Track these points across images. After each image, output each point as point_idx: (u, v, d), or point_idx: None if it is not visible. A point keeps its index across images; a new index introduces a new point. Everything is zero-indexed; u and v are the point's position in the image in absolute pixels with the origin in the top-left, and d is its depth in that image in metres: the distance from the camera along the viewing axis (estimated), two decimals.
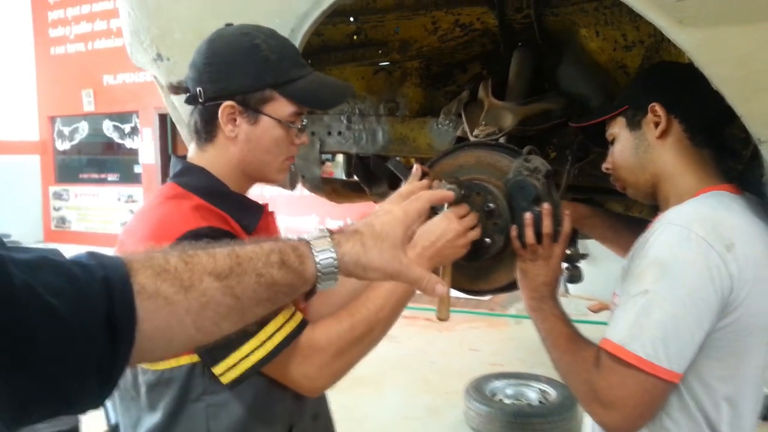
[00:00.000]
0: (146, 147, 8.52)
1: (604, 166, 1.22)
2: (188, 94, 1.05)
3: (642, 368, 0.96)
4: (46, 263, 0.52)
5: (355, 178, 1.92)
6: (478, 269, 1.26)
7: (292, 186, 1.60)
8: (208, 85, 1.01)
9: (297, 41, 1.23)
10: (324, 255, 0.69)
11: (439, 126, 1.58)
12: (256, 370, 0.94)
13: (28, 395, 0.46)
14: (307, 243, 0.69)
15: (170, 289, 0.59)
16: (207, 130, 1.04)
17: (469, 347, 4.90)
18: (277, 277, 0.66)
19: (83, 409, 0.57)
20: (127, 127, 8.96)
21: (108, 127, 9.10)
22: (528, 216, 1.13)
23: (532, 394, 3.63)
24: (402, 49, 1.59)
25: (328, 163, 1.89)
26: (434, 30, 1.53)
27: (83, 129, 9.36)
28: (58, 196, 9.63)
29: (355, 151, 1.73)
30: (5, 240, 0.52)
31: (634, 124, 1.15)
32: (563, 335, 1.11)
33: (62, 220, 9.63)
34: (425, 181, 1.15)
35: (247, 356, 0.92)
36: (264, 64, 1.00)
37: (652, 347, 0.95)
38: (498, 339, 5.14)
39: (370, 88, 1.71)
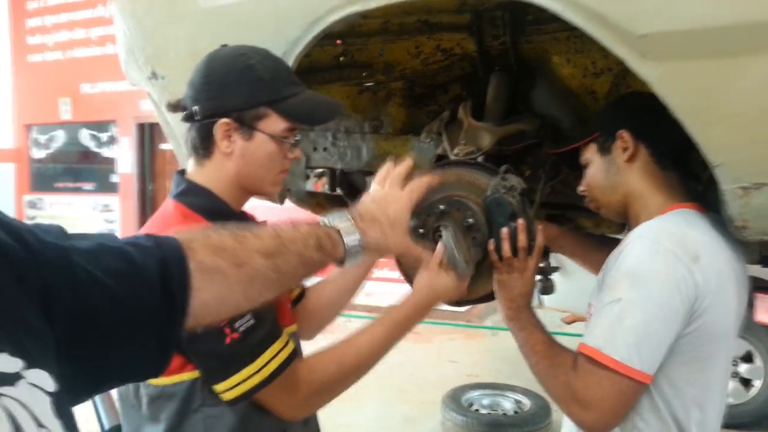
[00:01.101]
0: (124, 156, 8.44)
1: (579, 189, 1.31)
2: (186, 112, 1.10)
3: (617, 370, 1.04)
4: (104, 249, 0.61)
5: (339, 192, 1.99)
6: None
7: (281, 201, 1.65)
8: (205, 103, 1.07)
9: (289, 64, 1.30)
10: (352, 241, 0.84)
11: (421, 144, 1.65)
12: (254, 393, 1.00)
13: (100, 370, 0.52)
14: (338, 230, 0.83)
15: (226, 264, 0.70)
16: (204, 146, 1.10)
17: (446, 359, 4.97)
18: (314, 257, 0.80)
19: (146, 376, 0.71)
20: (104, 136, 8.87)
21: (85, 136, 9.00)
22: (504, 231, 1.21)
23: (507, 404, 3.71)
24: (386, 71, 1.66)
25: (323, 179, 1.95)
26: (417, 54, 1.61)
27: (60, 137, 9.23)
28: (32, 204, 9.49)
29: (340, 166, 1.79)
30: None
31: (605, 150, 1.24)
32: (540, 342, 1.18)
33: None
34: (408, 163, 1.14)
35: (246, 380, 0.99)
36: (258, 83, 1.06)
37: (626, 351, 1.03)
38: (475, 350, 5.22)
39: (355, 107, 1.78)
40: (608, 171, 1.24)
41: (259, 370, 1.00)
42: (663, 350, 1.06)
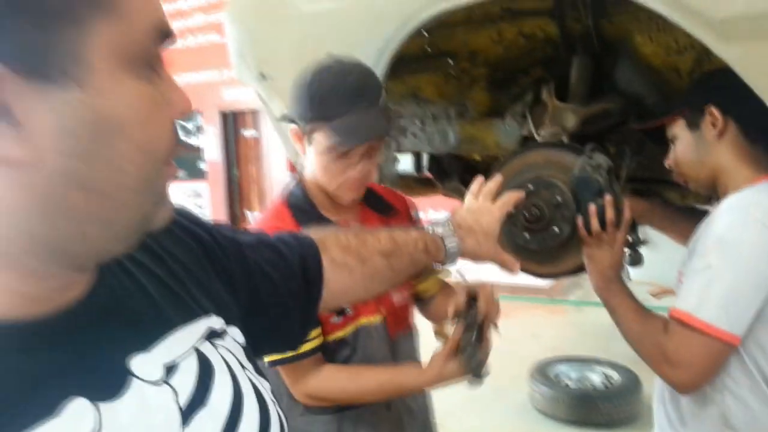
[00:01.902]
0: (210, 144, 8.83)
1: (667, 162, 1.35)
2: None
3: (707, 332, 1.11)
4: (262, 243, 0.77)
5: (428, 174, 2.11)
6: (546, 255, 1.43)
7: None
8: (290, 108, 1.24)
9: (384, 59, 1.42)
10: (452, 246, 0.95)
11: (506, 126, 1.74)
12: (280, 364, 1.21)
13: (258, 340, 0.67)
14: (441, 237, 0.95)
15: (352, 261, 0.84)
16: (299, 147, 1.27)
17: (530, 334, 5.01)
18: (422, 258, 0.92)
19: (289, 348, 0.88)
20: (191, 126, 9.32)
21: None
22: (593, 207, 1.29)
23: (595, 377, 3.69)
24: (470, 58, 1.75)
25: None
26: (500, 40, 1.69)
27: None
28: None
29: (429, 150, 1.91)
30: None
31: (693, 125, 1.28)
32: (631, 309, 1.26)
33: None
34: (498, 179, 1.30)
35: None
36: (310, 101, 1.18)
37: (716, 314, 1.10)
38: (559, 325, 5.21)
39: (441, 94, 1.88)
40: (697, 146, 1.28)
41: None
42: (751, 314, 1.11)
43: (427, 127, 1.87)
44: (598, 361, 3.79)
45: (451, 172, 2.02)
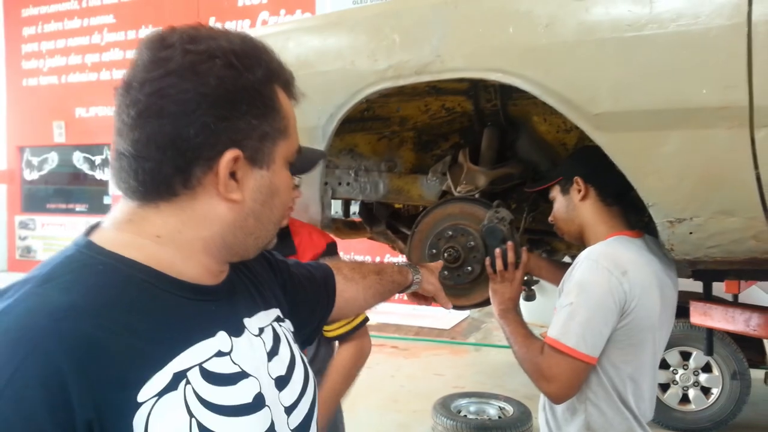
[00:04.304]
0: None
1: (550, 219, 1.69)
2: None
3: (571, 354, 1.40)
4: (299, 266, 1.07)
5: (357, 218, 2.38)
6: (461, 290, 1.74)
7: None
8: None
9: (334, 122, 1.71)
10: (416, 275, 1.29)
11: (428, 181, 2.05)
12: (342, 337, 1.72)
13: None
14: (409, 267, 1.30)
15: (357, 276, 1.15)
16: None
17: (433, 372, 5.28)
18: (398, 280, 1.25)
19: (307, 344, 1.12)
20: (97, 159, 9.08)
21: (78, 159, 9.17)
22: (498, 251, 1.62)
23: (492, 410, 3.98)
24: (401, 123, 2.07)
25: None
26: (426, 110, 2.02)
27: (53, 159, 9.40)
28: (24, 225, 9.60)
29: (361, 198, 2.19)
30: None
31: (565, 190, 1.61)
32: (521, 334, 1.56)
33: (27, 250, 9.55)
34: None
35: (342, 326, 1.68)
36: None
37: (576, 340, 1.40)
38: (460, 364, 5.48)
39: (374, 151, 2.17)
40: (567, 207, 1.60)
41: (359, 316, 1.66)
42: (604, 339, 1.43)
43: (360, 178, 2.15)
44: (494, 396, 4.12)
45: (379, 218, 2.31)
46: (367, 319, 1.72)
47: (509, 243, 1.62)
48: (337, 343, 1.74)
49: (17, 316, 0.60)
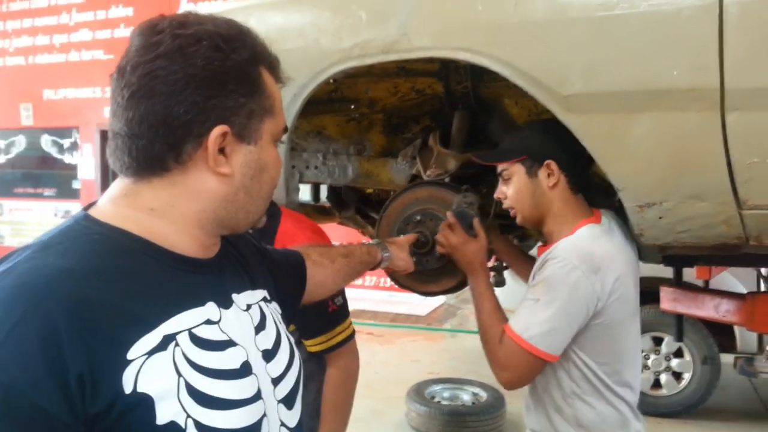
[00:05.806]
0: (86, 162, 8.48)
1: (496, 195, 1.57)
2: None
3: (528, 350, 1.38)
4: (277, 251, 1.14)
5: (326, 203, 2.33)
6: (430, 276, 1.70)
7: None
8: None
9: (298, 103, 1.65)
10: (385, 252, 1.36)
11: (398, 165, 2.01)
12: (338, 347, 1.58)
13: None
14: (378, 245, 1.38)
15: (326, 261, 1.21)
16: None
17: (409, 358, 5.31)
18: (367, 260, 1.31)
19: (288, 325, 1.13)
20: (66, 143, 8.88)
21: (46, 142, 8.96)
22: (443, 223, 1.59)
23: (466, 396, 4.04)
24: (370, 105, 2.02)
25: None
26: (395, 92, 1.97)
27: (20, 143, 9.17)
28: None
29: (329, 182, 2.14)
30: None
31: (532, 173, 1.49)
32: (486, 310, 1.51)
33: None
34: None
35: (335, 336, 1.57)
36: None
37: (537, 339, 1.37)
38: (435, 351, 5.53)
39: (342, 133, 2.12)
40: (534, 192, 1.49)
41: (342, 332, 1.56)
42: (567, 338, 1.39)
43: (328, 162, 2.10)
44: (469, 382, 4.16)
45: (348, 203, 2.26)
46: (352, 334, 1.61)
47: (476, 219, 1.57)
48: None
49: (18, 276, 0.65)
